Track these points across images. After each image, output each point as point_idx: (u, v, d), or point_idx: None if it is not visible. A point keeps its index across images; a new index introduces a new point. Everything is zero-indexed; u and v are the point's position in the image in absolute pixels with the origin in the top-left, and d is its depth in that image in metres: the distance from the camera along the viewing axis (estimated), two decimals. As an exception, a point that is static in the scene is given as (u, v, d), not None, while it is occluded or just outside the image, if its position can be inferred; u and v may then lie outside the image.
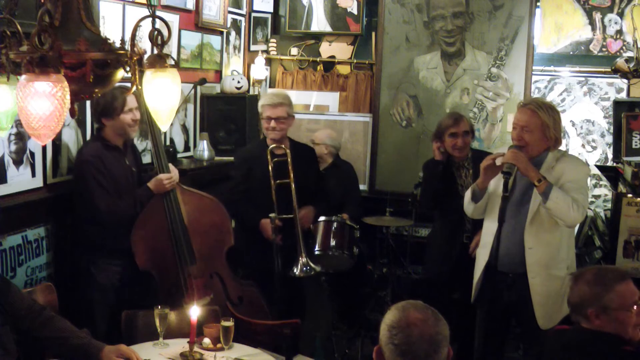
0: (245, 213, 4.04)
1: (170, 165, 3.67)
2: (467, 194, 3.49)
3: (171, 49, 4.41)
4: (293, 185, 3.82)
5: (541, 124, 3.22)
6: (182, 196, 3.63)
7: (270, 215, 3.79)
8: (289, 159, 3.86)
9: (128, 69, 1.97)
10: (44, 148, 3.41)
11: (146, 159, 4.13)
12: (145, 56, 2.03)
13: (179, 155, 4.63)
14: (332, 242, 4.20)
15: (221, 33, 5.14)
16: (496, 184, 3.35)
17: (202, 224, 3.66)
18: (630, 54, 5.01)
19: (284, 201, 3.84)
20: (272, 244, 3.80)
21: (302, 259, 3.81)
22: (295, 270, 3.81)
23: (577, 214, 3.18)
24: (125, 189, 3.52)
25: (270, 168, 3.84)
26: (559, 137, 3.30)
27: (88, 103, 3.70)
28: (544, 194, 3.15)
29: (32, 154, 3.35)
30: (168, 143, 4.54)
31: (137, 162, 3.73)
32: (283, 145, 3.94)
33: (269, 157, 3.86)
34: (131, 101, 3.45)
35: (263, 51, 5.75)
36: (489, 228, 3.35)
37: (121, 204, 3.46)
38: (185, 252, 3.58)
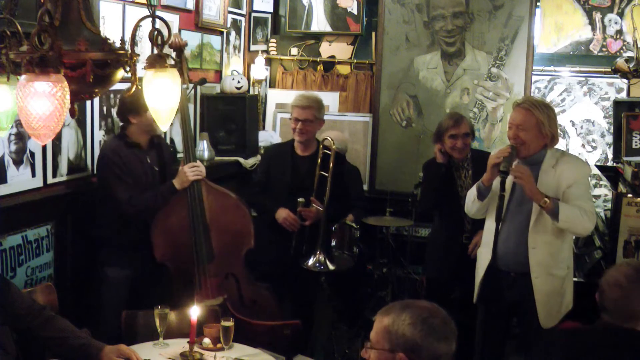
0: (263, 204, 4.12)
1: (198, 162, 3.67)
2: (472, 193, 3.48)
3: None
4: (329, 180, 3.94)
5: (536, 121, 3.26)
6: (206, 193, 3.61)
7: (299, 199, 3.97)
8: (332, 155, 3.97)
9: (128, 69, 1.97)
10: (44, 148, 3.41)
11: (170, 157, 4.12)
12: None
13: (179, 155, 4.63)
14: (332, 242, 4.22)
15: (221, 33, 5.14)
16: (496, 183, 3.36)
17: (223, 223, 3.64)
18: (630, 54, 5.01)
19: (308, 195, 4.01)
20: (287, 239, 3.96)
21: (320, 256, 3.89)
22: (308, 262, 3.89)
23: (589, 223, 3.22)
24: (144, 187, 3.52)
25: (318, 162, 4.01)
26: (555, 134, 3.34)
27: (88, 103, 3.71)
28: (552, 214, 3.17)
29: (32, 154, 3.35)
30: (168, 143, 4.54)
31: (163, 160, 3.71)
32: (331, 143, 4.03)
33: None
34: None
35: (263, 51, 5.75)
36: (491, 227, 3.36)
37: (142, 196, 3.46)
38: (204, 249, 3.56)
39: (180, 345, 2.86)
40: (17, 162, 3.26)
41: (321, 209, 3.95)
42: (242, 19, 5.48)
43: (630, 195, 3.91)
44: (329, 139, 4.05)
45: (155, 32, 2.03)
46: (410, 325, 1.80)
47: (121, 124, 3.61)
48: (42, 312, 2.73)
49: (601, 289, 2.48)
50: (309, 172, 4.06)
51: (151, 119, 3.42)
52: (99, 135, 3.84)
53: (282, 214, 3.99)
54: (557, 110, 5.37)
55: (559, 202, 3.18)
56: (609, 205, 4.90)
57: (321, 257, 3.88)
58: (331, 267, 3.92)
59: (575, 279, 3.96)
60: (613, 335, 2.41)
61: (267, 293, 3.80)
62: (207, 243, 3.58)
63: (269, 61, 5.91)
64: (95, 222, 3.55)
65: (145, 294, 3.51)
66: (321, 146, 4.05)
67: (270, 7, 5.86)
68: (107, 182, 3.44)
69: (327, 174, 3.95)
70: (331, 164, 3.95)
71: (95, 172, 3.69)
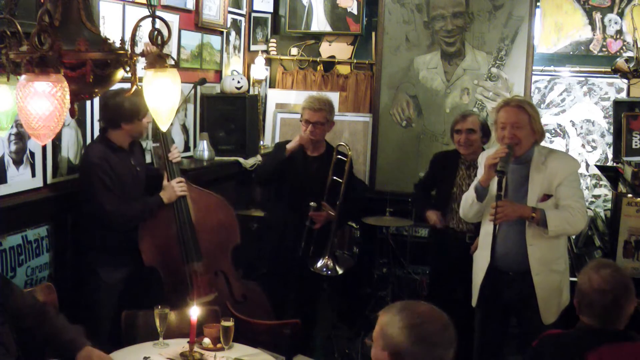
0: (276, 153, 4.12)
1: (174, 146, 3.71)
2: (469, 196, 3.48)
3: (171, 49, 4.40)
4: (343, 186, 3.98)
5: (529, 118, 3.31)
6: (190, 193, 3.65)
7: (311, 203, 3.97)
8: (348, 161, 4.01)
9: (128, 69, 1.97)
10: (44, 148, 3.41)
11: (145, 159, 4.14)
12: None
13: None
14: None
15: (221, 33, 5.13)
16: (490, 185, 3.38)
17: (209, 222, 3.69)
18: (630, 54, 5.01)
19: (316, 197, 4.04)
20: (295, 240, 3.98)
21: (328, 261, 3.94)
22: (316, 265, 3.93)
23: (580, 221, 3.26)
24: (131, 190, 3.54)
25: (332, 165, 4.03)
26: (543, 130, 3.40)
27: (88, 103, 3.71)
28: (542, 224, 3.21)
29: (32, 154, 3.35)
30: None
31: (143, 160, 3.76)
32: (347, 149, 4.07)
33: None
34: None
35: (263, 51, 5.75)
36: (488, 230, 3.36)
37: (129, 208, 3.47)
38: (192, 249, 3.60)
39: (180, 345, 2.87)
40: (17, 162, 3.26)
41: (332, 212, 3.97)
42: (242, 19, 5.48)
43: (630, 195, 3.91)
44: (345, 145, 4.08)
45: (155, 32, 2.02)
46: (400, 329, 1.80)
47: (103, 126, 3.57)
48: (44, 310, 2.74)
49: (584, 293, 2.44)
50: (317, 173, 4.07)
51: (143, 127, 3.46)
52: (99, 135, 3.84)
53: (295, 140, 4.04)
54: (557, 110, 5.38)
55: (546, 212, 3.20)
56: (609, 205, 4.90)
57: (329, 262, 3.92)
58: (340, 271, 3.96)
59: (575, 279, 3.97)
60: (599, 336, 2.41)
61: (256, 288, 3.85)
62: (195, 242, 3.62)
63: (269, 61, 5.91)
64: (82, 227, 3.52)
65: (137, 295, 3.51)
66: (335, 152, 4.07)
67: (270, 7, 5.86)
68: (94, 190, 3.39)
69: (339, 179, 3.99)
70: (346, 171, 3.99)
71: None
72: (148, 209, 3.54)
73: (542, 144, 3.44)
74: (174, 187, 3.58)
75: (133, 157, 3.60)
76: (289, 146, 4.04)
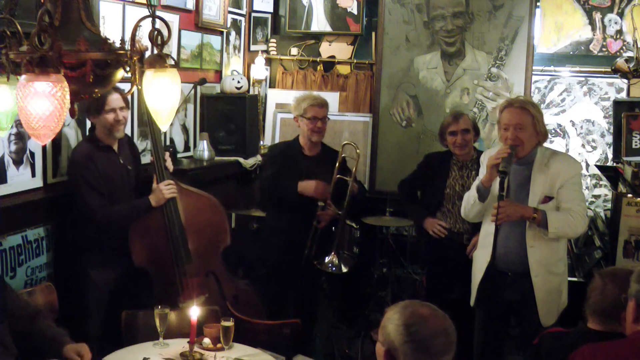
0: (281, 189, 4.05)
1: (167, 154, 3.70)
2: (470, 196, 3.48)
3: (171, 49, 4.40)
4: (350, 184, 4.00)
5: (532, 119, 3.30)
6: (180, 194, 3.63)
7: (320, 203, 3.98)
8: (357, 161, 4.03)
9: (128, 69, 1.97)
10: (44, 148, 3.41)
11: (145, 159, 4.13)
12: (146, 53, 2.03)
13: (179, 155, 4.63)
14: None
15: (221, 33, 5.13)
16: (492, 185, 3.38)
17: (199, 223, 3.67)
18: (630, 54, 5.01)
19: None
20: (301, 240, 3.99)
21: (334, 258, 3.96)
22: (323, 261, 3.95)
23: (580, 225, 3.26)
24: (120, 189, 3.53)
25: (337, 165, 4.03)
26: (546, 131, 3.39)
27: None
28: (542, 225, 3.21)
29: (32, 154, 3.35)
30: (168, 143, 4.54)
31: (135, 160, 3.73)
32: (355, 148, 4.08)
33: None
34: (114, 101, 3.40)
35: (263, 51, 5.75)
36: (488, 230, 3.37)
37: (114, 209, 3.45)
38: (182, 251, 3.58)
39: (180, 345, 2.87)
40: (17, 162, 3.26)
41: (338, 211, 3.99)
42: (242, 19, 5.48)
43: (630, 195, 3.91)
44: (352, 144, 4.08)
45: (155, 32, 2.03)
46: (396, 327, 1.81)
47: (90, 125, 3.58)
48: (36, 312, 2.75)
49: (589, 294, 2.48)
50: (318, 172, 4.07)
51: (107, 122, 3.41)
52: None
53: (310, 185, 3.98)
54: (557, 110, 5.38)
55: (547, 214, 3.20)
56: (609, 205, 4.90)
57: (335, 260, 3.93)
58: (345, 269, 3.98)
59: (575, 279, 3.98)
60: (596, 337, 2.40)
61: (247, 288, 3.85)
62: (185, 244, 3.60)
63: (269, 61, 5.91)
64: (75, 227, 3.51)
65: (128, 295, 3.49)
66: (341, 150, 4.07)
67: (270, 7, 5.86)
68: (78, 189, 3.39)
69: (345, 178, 4.00)
70: (355, 170, 4.02)
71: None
72: (135, 212, 3.51)
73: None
74: (162, 190, 3.54)
75: (122, 156, 3.58)
76: (303, 191, 3.99)
